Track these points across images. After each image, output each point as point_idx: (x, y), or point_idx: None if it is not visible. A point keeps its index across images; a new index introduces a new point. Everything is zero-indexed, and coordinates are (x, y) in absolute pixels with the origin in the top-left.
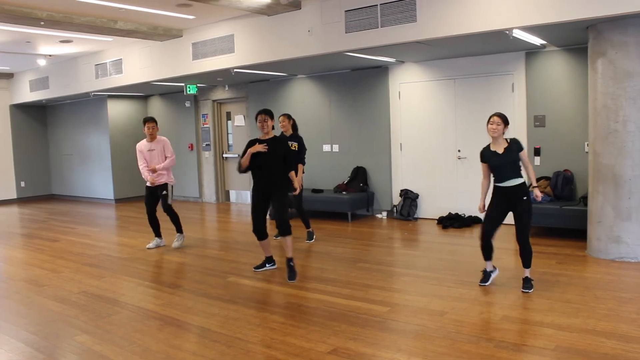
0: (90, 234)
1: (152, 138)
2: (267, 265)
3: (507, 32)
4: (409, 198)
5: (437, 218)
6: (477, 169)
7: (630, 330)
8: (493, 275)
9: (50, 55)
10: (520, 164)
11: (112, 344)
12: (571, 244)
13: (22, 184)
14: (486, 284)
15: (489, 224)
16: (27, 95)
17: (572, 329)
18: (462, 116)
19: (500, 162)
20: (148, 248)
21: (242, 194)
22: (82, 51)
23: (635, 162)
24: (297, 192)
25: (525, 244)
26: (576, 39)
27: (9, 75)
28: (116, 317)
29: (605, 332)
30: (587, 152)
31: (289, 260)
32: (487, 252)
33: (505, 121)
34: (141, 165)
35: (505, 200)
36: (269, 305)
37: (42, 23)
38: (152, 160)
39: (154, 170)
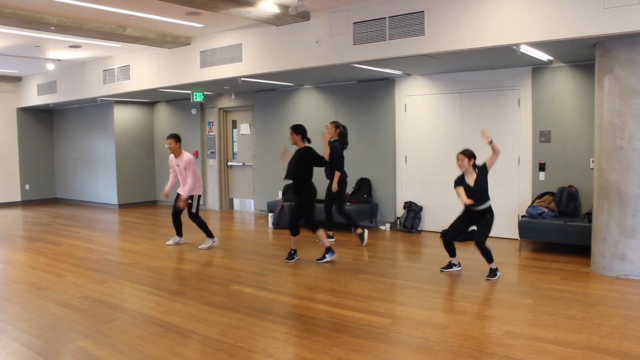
0: (93, 239)
1: (174, 154)
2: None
3: (515, 47)
4: (413, 210)
5: (441, 231)
6: None
7: (635, 349)
8: (455, 269)
9: (59, 60)
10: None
11: (113, 349)
12: (575, 260)
13: (27, 186)
14: (445, 270)
15: (452, 233)
16: (34, 98)
17: (576, 346)
18: (467, 130)
19: (471, 193)
20: (167, 245)
21: (245, 202)
22: (90, 56)
23: None
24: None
25: (482, 247)
26: (583, 56)
27: (17, 79)
28: (118, 323)
29: (609, 350)
30: (592, 169)
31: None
32: (451, 250)
33: (468, 155)
34: (170, 175)
35: (472, 218)
36: (271, 314)
37: (52, 28)
38: (180, 174)
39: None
